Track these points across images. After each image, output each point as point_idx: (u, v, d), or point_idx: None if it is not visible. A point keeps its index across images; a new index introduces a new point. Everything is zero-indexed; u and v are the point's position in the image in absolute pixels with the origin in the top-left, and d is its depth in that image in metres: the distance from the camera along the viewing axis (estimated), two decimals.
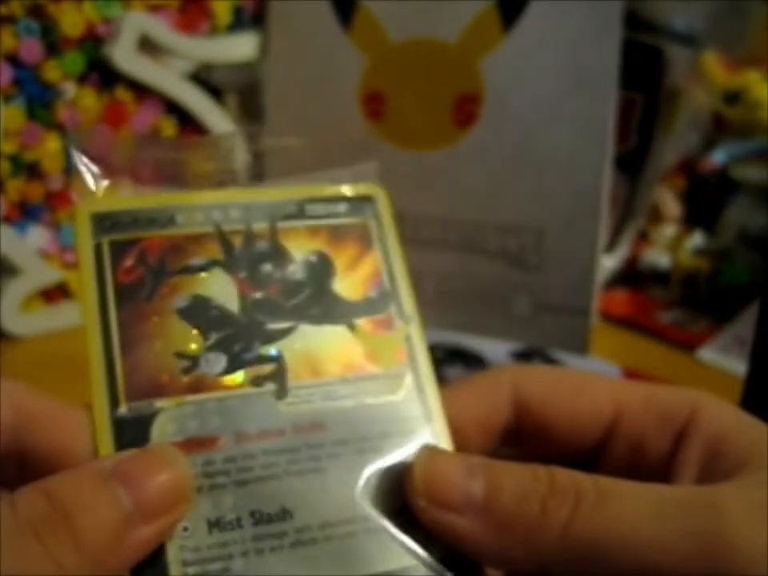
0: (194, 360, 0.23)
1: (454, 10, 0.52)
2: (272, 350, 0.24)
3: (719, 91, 0.68)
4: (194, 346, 0.23)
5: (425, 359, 0.25)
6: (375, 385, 0.24)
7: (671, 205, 0.69)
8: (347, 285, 0.25)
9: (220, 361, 0.23)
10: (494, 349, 0.51)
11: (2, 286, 0.53)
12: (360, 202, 0.26)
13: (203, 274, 0.24)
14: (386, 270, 0.26)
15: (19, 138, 0.52)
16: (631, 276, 0.65)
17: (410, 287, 0.26)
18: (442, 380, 0.25)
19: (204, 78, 0.59)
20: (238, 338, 0.23)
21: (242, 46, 0.59)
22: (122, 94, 0.56)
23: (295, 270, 0.25)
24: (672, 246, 0.66)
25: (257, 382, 0.23)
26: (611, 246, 0.63)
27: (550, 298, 0.53)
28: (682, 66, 0.62)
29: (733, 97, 0.67)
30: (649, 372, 0.51)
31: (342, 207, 0.26)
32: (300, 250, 0.25)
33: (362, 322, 0.25)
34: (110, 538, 0.19)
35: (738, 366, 0.46)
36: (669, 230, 0.68)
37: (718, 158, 0.69)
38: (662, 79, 0.61)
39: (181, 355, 0.23)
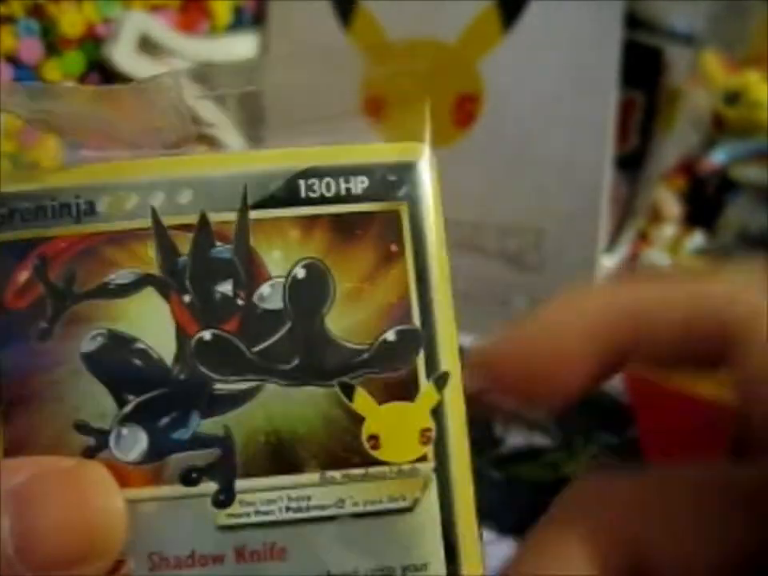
0: (100, 436, 0.16)
1: (454, 10, 0.52)
2: (217, 427, 0.16)
3: (719, 91, 0.68)
4: (102, 414, 0.16)
5: (461, 443, 0.16)
6: (375, 488, 0.16)
7: (671, 205, 0.69)
8: (351, 319, 0.16)
9: (138, 440, 0.16)
10: None
11: None
12: (392, 172, 0.17)
13: (126, 299, 0.16)
14: (419, 294, 0.17)
15: (19, 138, 0.52)
16: None
17: (453, 322, 0.18)
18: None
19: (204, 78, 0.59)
20: (169, 403, 0.16)
21: (241, 46, 0.59)
22: None
23: (270, 293, 0.16)
24: (672, 246, 0.66)
25: (188, 477, 0.16)
26: (611, 246, 0.63)
27: (550, 298, 0.53)
28: (681, 66, 0.62)
29: (733, 97, 0.67)
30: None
31: (359, 182, 0.17)
32: (281, 259, 0.16)
33: (366, 383, 0.16)
34: None
35: None
36: (669, 230, 0.68)
37: (717, 158, 0.69)
38: (662, 79, 0.61)
39: (83, 428, 0.16)
